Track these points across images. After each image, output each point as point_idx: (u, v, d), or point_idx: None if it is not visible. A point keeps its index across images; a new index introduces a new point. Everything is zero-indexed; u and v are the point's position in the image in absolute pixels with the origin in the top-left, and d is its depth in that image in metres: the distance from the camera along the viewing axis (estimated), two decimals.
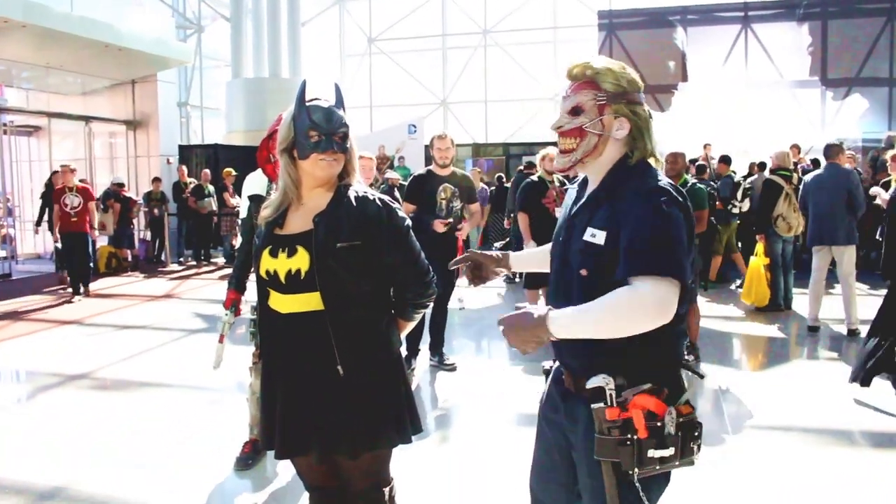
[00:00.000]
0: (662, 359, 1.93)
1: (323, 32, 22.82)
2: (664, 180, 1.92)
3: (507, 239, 10.78)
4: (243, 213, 4.20)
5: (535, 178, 7.82)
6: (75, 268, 10.16)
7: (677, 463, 1.85)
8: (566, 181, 8.65)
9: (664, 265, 1.77)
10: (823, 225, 7.21)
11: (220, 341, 3.93)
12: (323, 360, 2.26)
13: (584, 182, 2.09)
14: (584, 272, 1.92)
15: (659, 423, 1.81)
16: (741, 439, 4.54)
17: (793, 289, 8.58)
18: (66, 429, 4.96)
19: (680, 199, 1.87)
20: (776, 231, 8.15)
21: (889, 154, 7.63)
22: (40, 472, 4.19)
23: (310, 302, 2.27)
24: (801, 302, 8.17)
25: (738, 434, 4.62)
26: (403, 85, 21.84)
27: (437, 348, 6.28)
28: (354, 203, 2.31)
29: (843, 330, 7.18)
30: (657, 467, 1.82)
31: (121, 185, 13.57)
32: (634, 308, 1.77)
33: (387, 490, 2.45)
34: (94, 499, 3.83)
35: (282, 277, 2.29)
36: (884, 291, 5.53)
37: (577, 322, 1.82)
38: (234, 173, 13.80)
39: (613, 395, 1.83)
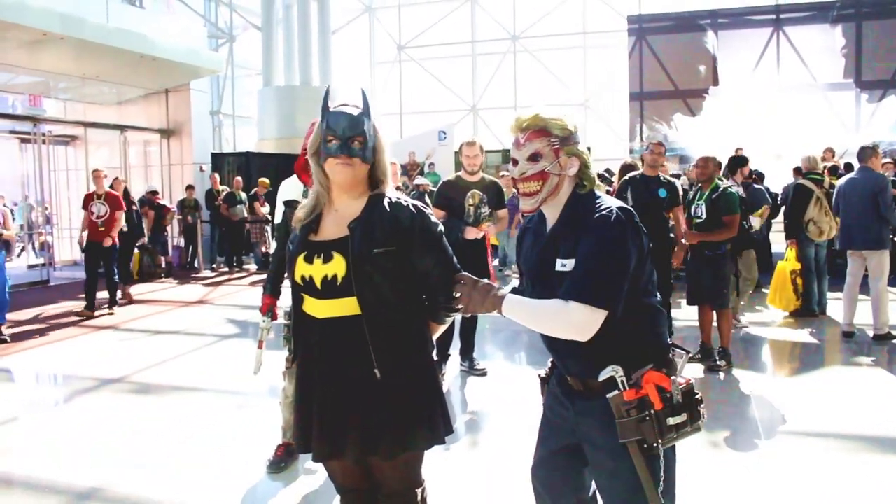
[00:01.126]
0: (653, 344, 2.21)
1: (353, 40, 22.98)
2: (614, 205, 2.15)
3: None
4: (278, 219, 4.22)
5: None
6: (105, 279, 9.82)
7: (689, 429, 2.10)
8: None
9: (594, 297, 2.04)
10: (853, 229, 7.13)
11: (260, 347, 3.96)
12: (360, 364, 2.29)
13: (541, 219, 2.32)
14: None
15: (668, 395, 2.07)
16: (775, 445, 4.49)
17: (827, 294, 8.47)
18: (103, 432, 5.05)
19: (629, 220, 2.11)
20: (808, 236, 8.06)
21: None
22: (78, 472, 4.28)
23: (346, 307, 2.30)
24: (836, 307, 8.06)
25: (772, 440, 4.58)
26: (433, 91, 21.91)
27: (467, 353, 6.29)
28: (388, 209, 2.34)
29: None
30: (675, 435, 2.07)
31: (154, 193, 13.74)
32: (560, 322, 2.09)
33: (419, 491, 2.47)
34: (128, 500, 3.91)
35: (317, 283, 2.32)
36: None
37: (521, 311, 2.16)
38: (268, 183, 13.95)
39: (625, 381, 2.08)
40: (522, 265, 2.42)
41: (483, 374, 6.21)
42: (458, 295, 2.22)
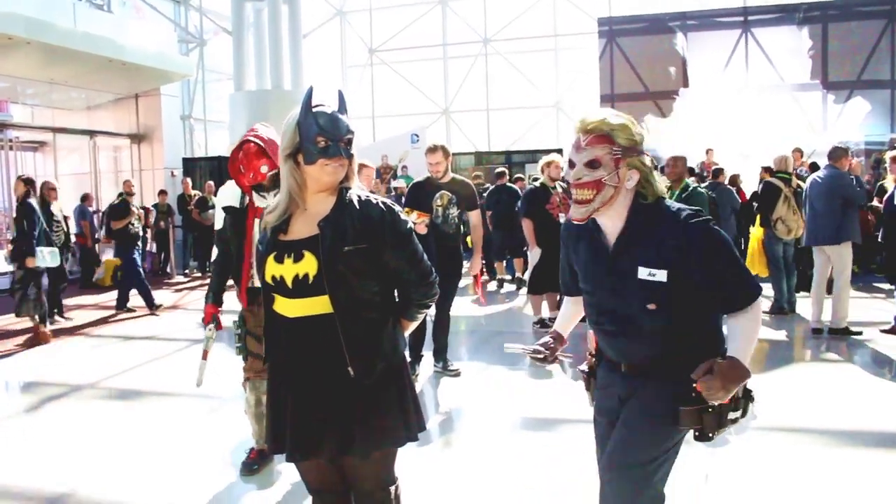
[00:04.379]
0: (716, 340, 2.28)
1: (324, 44, 22.88)
2: (692, 211, 2.17)
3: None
4: (218, 225, 4.07)
5: (537, 184, 7.87)
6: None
7: (739, 420, 2.20)
8: (568, 188, 8.71)
9: (753, 292, 2.17)
10: (817, 225, 7.28)
11: (204, 358, 3.93)
12: (333, 362, 2.29)
13: (596, 227, 2.28)
14: (652, 306, 2.16)
15: None
16: (744, 441, 4.54)
17: (795, 292, 8.59)
18: (72, 437, 5.00)
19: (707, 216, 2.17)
20: (776, 234, 8.18)
21: (888, 155, 7.65)
22: (46, 478, 4.24)
23: (318, 305, 2.29)
24: (804, 305, 8.17)
25: (742, 435, 4.63)
26: (405, 95, 21.86)
27: (440, 354, 6.29)
28: (358, 207, 2.34)
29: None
30: (728, 428, 2.17)
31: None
32: (758, 328, 2.19)
33: (392, 489, 2.48)
34: None
35: (288, 282, 2.31)
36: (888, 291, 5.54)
37: (747, 353, 2.16)
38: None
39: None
40: (583, 272, 2.38)
41: (457, 374, 6.22)
42: (708, 391, 2.06)
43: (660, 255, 2.12)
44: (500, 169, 11.91)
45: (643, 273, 2.13)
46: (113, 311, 10.10)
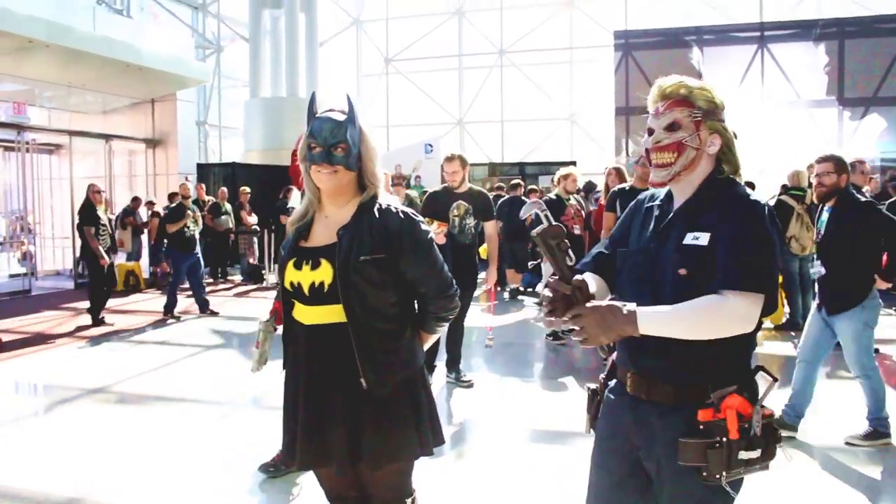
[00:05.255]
0: (741, 362, 2.02)
1: (340, 52, 23.03)
2: (757, 196, 2.00)
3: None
4: None
5: (552, 196, 7.89)
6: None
7: (758, 466, 1.90)
8: (581, 202, 8.70)
9: (758, 283, 1.88)
10: None
11: (256, 347, 3.91)
12: (345, 372, 2.27)
13: (668, 198, 2.15)
14: (683, 272, 1.98)
15: (746, 425, 1.87)
16: None
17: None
18: (83, 441, 5.00)
19: (773, 216, 1.97)
20: (790, 251, 8.13)
21: None
22: (57, 482, 4.24)
23: (332, 314, 2.29)
24: None
25: None
26: (420, 104, 21.95)
27: (453, 365, 6.27)
28: (377, 216, 2.32)
29: None
30: (741, 470, 1.87)
31: (149, 204, 13.71)
32: (722, 318, 1.88)
33: (409, 501, 2.45)
34: None
35: (305, 289, 2.31)
36: None
37: (665, 321, 1.89)
38: (248, 191, 13.92)
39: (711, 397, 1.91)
40: (630, 236, 2.21)
41: (469, 385, 6.20)
42: (576, 327, 1.92)
43: (711, 221, 1.98)
44: (516, 181, 11.99)
45: (689, 238, 1.99)
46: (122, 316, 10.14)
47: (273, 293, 4.11)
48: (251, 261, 14.14)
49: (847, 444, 4.69)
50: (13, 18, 10.77)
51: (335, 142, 2.29)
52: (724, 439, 1.85)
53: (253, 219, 13.89)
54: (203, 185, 14.94)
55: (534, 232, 2.03)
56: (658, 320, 1.89)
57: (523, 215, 2.71)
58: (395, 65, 22.40)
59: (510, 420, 5.39)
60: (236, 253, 14.49)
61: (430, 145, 16.52)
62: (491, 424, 5.35)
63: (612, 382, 2.20)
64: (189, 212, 9.92)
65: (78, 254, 14.03)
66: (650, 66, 16.92)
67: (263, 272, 13.90)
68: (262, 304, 10.75)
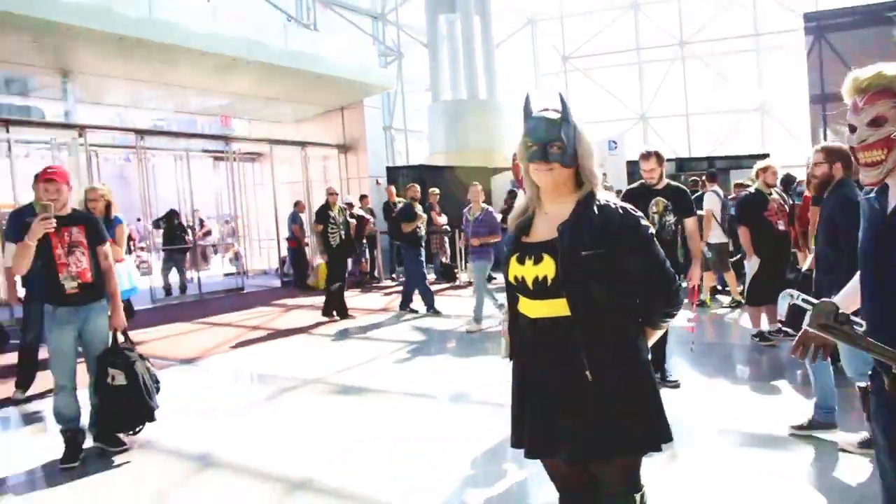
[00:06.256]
0: None
1: (517, 52, 23.20)
2: None
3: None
4: None
5: (752, 190, 7.56)
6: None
7: None
8: (784, 195, 8.25)
9: None
10: None
11: (502, 334, 4.06)
12: (571, 365, 2.30)
13: (883, 191, 2.03)
14: None
15: None
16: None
17: None
18: (308, 427, 5.38)
19: None
20: None
21: None
22: (290, 464, 4.58)
23: (557, 307, 2.32)
24: None
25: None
26: (600, 101, 21.74)
27: (659, 365, 6.17)
28: (597, 211, 2.34)
29: None
30: None
31: (349, 205, 14.40)
32: None
33: (638, 496, 2.46)
34: (339, 492, 4.14)
35: (529, 284, 2.36)
36: None
37: None
38: (437, 192, 14.30)
39: None
40: (864, 237, 2.10)
41: (676, 385, 6.08)
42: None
43: None
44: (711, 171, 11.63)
45: None
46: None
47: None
48: (444, 260, 14.52)
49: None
50: (221, 40, 11.75)
51: (550, 140, 2.35)
52: None
53: (443, 219, 14.26)
54: (393, 188, 15.51)
55: (808, 325, 1.94)
56: None
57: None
58: (572, 62, 22.32)
59: (719, 420, 5.23)
60: (429, 253, 14.93)
61: (615, 142, 16.30)
62: (701, 426, 5.22)
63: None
64: (419, 213, 10.33)
65: (283, 254, 15.12)
66: (848, 49, 15.82)
67: (456, 271, 14.26)
68: (458, 302, 11.06)
